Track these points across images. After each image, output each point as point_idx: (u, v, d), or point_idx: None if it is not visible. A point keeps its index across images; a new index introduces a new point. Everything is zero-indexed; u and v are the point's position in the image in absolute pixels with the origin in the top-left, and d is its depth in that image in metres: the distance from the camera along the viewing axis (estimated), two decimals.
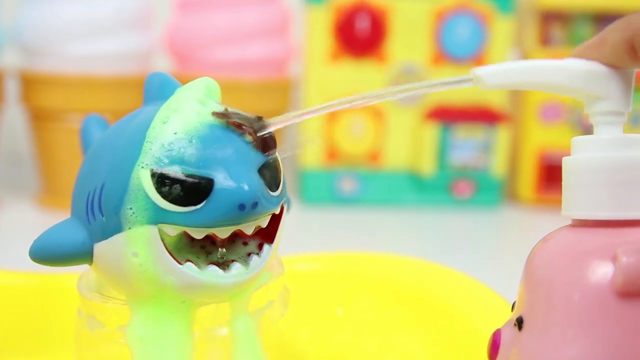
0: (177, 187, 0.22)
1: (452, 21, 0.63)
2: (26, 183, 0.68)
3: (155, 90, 0.24)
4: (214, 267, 0.23)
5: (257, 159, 0.23)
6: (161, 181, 0.22)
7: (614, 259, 0.17)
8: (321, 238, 0.56)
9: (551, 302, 0.18)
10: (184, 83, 0.24)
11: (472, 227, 0.61)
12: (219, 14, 0.61)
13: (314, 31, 0.63)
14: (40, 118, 0.59)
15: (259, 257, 0.24)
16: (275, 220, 0.24)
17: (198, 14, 0.62)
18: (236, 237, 0.24)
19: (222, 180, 0.22)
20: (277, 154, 0.24)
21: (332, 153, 0.65)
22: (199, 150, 0.22)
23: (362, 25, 0.63)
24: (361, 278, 0.34)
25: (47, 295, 0.32)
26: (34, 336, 0.31)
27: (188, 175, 0.22)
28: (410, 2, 0.63)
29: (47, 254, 0.23)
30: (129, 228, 0.22)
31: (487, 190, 0.66)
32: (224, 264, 0.23)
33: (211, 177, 0.22)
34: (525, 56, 0.67)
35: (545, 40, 0.66)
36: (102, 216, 0.22)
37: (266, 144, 0.23)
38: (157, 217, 0.22)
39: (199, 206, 0.22)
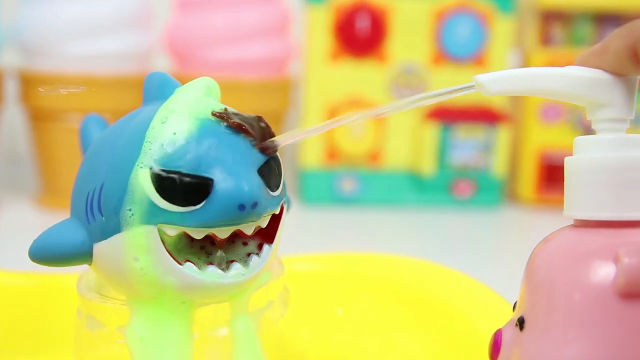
0: (176, 187, 0.21)
1: (453, 21, 0.63)
2: (25, 183, 0.68)
3: (154, 90, 0.24)
4: (214, 268, 0.23)
5: (257, 159, 0.23)
6: (161, 181, 0.21)
7: (616, 260, 0.17)
8: (321, 238, 0.56)
9: (552, 302, 0.18)
10: (183, 83, 0.24)
11: (472, 227, 0.61)
12: (219, 14, 0.61)
13: (314, 31, 0.63)
14: (39, 118, 0.59)
15: (259, 257, 0.24)
16: (275, 220, 0.24)
17: (198, 13, 0.62)
18: (236, 237, 0.24)
19: (221, 180, 0.22)
20: (277, 154, 0.24)
21: (332, 153, 0.65)
22: (198, 150, 0.22)
23: (362, 25, 0.62)
24: (361, 278, 0.34)
25: (47, 295, 0.32)
26: (34, 336, 0.31)
27: (187, 175, 0.22)
28: (410, 1, 0.63)
29: (46, 254, 0.23)
30: (129, 228, 0.22)
31: (488, 190, 0.66)
32: (223, 265, 0.23)
33: (211, 177, 0.22)
34: (525, 56, 0.67)
35: (546, 40, 0.66)
36: (102, 216, 0.22)
37: (266, 144, 0.23)
38: (157, 217, 0.22)
39: (198, 206, 0.22)
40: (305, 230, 0.57)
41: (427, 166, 0.64)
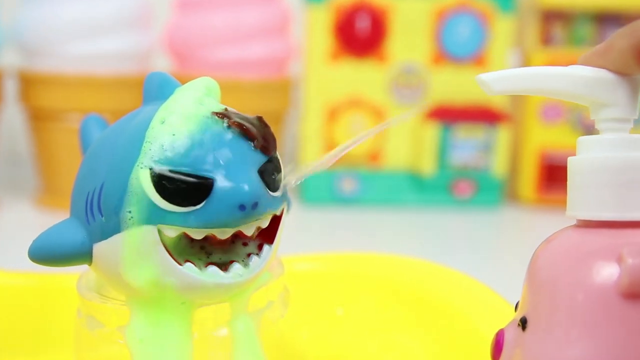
0: (176, 188, 0.21)
1: (453, 21, 0.63)
2: (25, 183, 0.68)
3: (154, 90, 0.24)
4: (214, 268, 0.23)
5: (257, 159, 0.23)
6: (160, 181, 0.21)
7: (619, 260, 0.17)
8: (321, 238, 0.56)
9: (555, 302, 0.18)
10: (183, 83, 0.24)
11: (472, 227, 0.61)
12: (219, 14, 0.61)
13: (314, 31, 0.63)
14: (39, 118, 0.59)
15: (259, 257, 0.24)
16: (276, 220, 0.24)
17: (198, 13, 0.62)
18: (236, 238, 0.24)
19: (222, 180, 0.22)
20: (277, 154, 0.24)
21: None
22: (198, 151, 0.22)
23: (362, 24, 0.62)
24: (361, 278, 0.34)
25: (47, 295, 0.32)
26: (33, 336, 0.31)
27: (188, 176, 0.21)
28: (410, 1, 0.63)
29: (46, 254, 0.23)
30: (129, 228, 0.22)
31: (488, 190, 0.66)
32: (223, 265, 0.23)
33: (211, 177, 0.22)
34: (526, 56, 0.67)
35: (546, 40, 0.66)
36: (102, 216, 0.22)
37: (266, 144, 0.23)
38: (157, 218, 0.22)
39: (198, 206, 0.22)
40: (305, 230, 0.57)
41: (427, 166, 0.64)
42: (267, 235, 0.24)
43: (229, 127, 0.23)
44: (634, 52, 0.19)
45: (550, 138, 0.66)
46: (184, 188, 0.21)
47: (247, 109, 0.25)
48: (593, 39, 0.65)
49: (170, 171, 0.21)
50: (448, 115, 0.64)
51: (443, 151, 0.64)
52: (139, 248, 0.22)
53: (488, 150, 0.65)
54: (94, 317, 0.25)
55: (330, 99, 0.64)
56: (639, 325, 0.17)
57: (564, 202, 0.20)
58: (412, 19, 0.63)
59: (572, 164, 0.20)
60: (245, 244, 0.24)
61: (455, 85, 0.64)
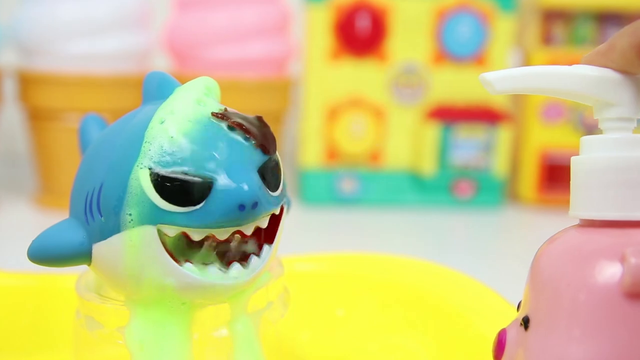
0: (176, 187, 0.21)
1: (453, 20, 0.63)
2: (24, 183, 0.68)
3: (154, 90, 0.24)
4: (214, 268, 0.23)
5: (257, 159, 0.23)
6: (160, 181, 0.21)
7: (622, 260, 0.17)
8: (321, 238, 0.56)
9: (558, 302, 0.18)
10: (183, 82, 0.24)
11: (473, 228, 0.61)
12: (219, 13, 0.61)
13: (314, 30, 0.63)
14: (38, 117, 0.59)
15: (259, 257, 0.24)
16: (275, 220, 0.24)
17: (197, 12, 0.62)
18: (235, 238, 0.24)
19: (221, 180, 0.22)
20: (276, 154, 0.24)
21: (332, 153, 0.64)
22: (198, 150, 0.22)
23: (363, 24, 0.62)
24: (361, 279, 0.34)
25: (46, 296, 0.32)
26: (33, 337, 0.31)
27: (187, 175, 0.21)
28: (410, 1, 0.63)
29: (45, 254, 0.23)
30: (128, 229, 0.22)
31: (488, 191, 0.66)
32: (223, 265, 0.23)
33: (210, 177, 0.22)
34: (526, 55, 0.67)
35: (547, 39, 0.66)
36: (101, 216, 0.22)
37: (266, 144, 0.23)
38: (156, 218, 0.22)
39: (198, 206, 0.22)
40: (305, 230, 0.57)
41: (428, 166, 0.64)
42: (267, 235, 0.24)
43: (228, 127, 0.23)
44: (636, 51, 0.19)
45: (551, 138, 0.66)
46: (183, 188, 0.21)
47: (247, 108, 0.25)
48: (594, 39, 0.65)
49: (170, 171, 0.21)
50: (449, 115, 0.64)
51: (443, 151, 0.64)
52: (138, 248, 0.22)
53: (489, 150, 0.65)
54: (93, 318, 0.25)
55: (330, 99, 0.64)
56: None
57: (565, 202, 0.20)
58: (413, 18, 0.63)
59: (575, 163, 0.20)
60: (244, 244, 0.24)
61: (456, 85, 0.64)
